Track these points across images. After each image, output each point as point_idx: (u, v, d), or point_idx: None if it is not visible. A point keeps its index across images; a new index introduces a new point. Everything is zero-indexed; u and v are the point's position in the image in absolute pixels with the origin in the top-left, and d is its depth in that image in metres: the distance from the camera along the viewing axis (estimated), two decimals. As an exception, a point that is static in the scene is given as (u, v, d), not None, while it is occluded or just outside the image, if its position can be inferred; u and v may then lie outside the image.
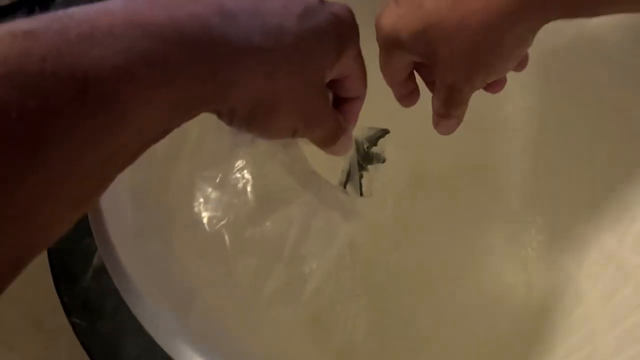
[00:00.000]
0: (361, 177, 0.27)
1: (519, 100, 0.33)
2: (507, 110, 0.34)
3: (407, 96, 0.27)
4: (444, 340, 0.32)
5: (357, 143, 0.27)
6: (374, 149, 0.28)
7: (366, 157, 0.28)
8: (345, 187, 0.26)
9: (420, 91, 0.27)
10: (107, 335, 0.42)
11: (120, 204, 0.17)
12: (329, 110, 0.21)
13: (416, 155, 0.39)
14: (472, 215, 0.38)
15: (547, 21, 0.21)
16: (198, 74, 0.15)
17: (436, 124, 0.26)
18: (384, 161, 0.29)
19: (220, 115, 0.17)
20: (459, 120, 0.26)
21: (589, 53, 0.29)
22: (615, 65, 0.28)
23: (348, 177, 0.26)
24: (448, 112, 0.25)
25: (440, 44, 0.22)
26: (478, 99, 0.35)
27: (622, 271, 0.22)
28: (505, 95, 0.34)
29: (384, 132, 0.29)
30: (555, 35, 0.30)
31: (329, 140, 0.22)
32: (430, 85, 0.26)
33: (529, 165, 0.34)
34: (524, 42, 0.22)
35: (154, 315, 0.14)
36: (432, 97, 0.25)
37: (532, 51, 0.32)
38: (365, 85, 0.22)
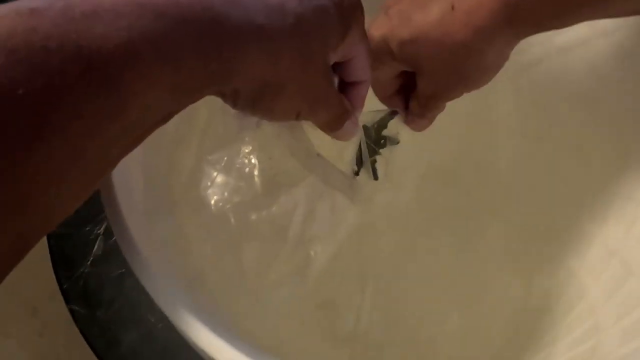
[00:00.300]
0: (375, 161, 0.27)
1: (516, 100, 0.33)
2: (509, 106, 0.34)
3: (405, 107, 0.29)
4: (445, 329, 0.32)
5: (366, 128, 0.27)
6: (385, 132, 0.28)
7: (377, 141, 0.28)
8: (357, 173, 0.26)
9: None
10: (106, 323, 0.42)
11: (133, 185, 0.17)
12: (333, 93, 0.21)
13: (425, 147, 0.39)
14: (474, 209, 0.38)
15: (523, 37, 0.23)
16: (202, 54, 0.15)
17: (410, 122, 0.28)
18: (397, 142, 0.29)
19: (224, 97, 0.17)
20: (432, 121, 0.28)
21: (571, 60, 0.30)
22: (600, 71, 0.29)
23: (360, 163, 0.26)
24: (424, 114, 0.27)
25: (424, 55, 0.24)
26: (486, 94, 0.35)
27: (626, 265, 0.22)
28: (505, 94, 0.34)
29: (393, 113, 0.29)
30: (541, 44, 0.30)
31: (333, 125, 0.22)
32: (409, 89, 0.28)
33: (531, 160, 0.34)
34: (502, 57, 0.24)
35: (167, 292, 0.14)
36: (411, 98, 0.27)
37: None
38: (370, 69, 0.22)
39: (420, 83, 0.25)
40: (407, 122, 0.28)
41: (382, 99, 0.28)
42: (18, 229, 0.13)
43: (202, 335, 0.14)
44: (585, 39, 0.28)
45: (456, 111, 0.34)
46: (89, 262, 0.45)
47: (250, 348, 0.14)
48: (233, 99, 0.17)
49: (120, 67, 0.13)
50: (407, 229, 0.36)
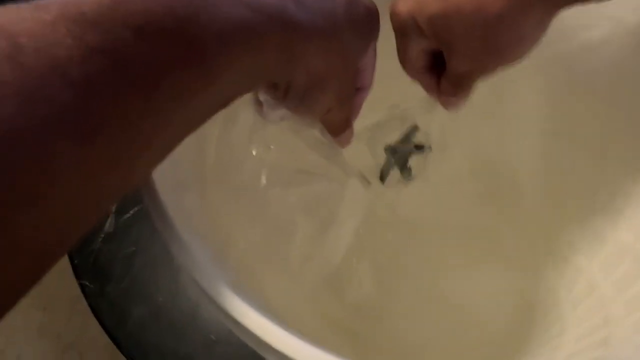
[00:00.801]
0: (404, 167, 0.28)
1: (534, 97, 0.33)
2: (527, 102, 0.34)
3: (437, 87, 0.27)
4: (451, 317, 0.33)
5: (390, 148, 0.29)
6: (415, 140, 0.29)
7: (403, 155, 0.29)
8: (383, 181, 0.28)
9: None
10: (115, 299, 0.43)
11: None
12: (354, 93, 0.23)
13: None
14: (486, 202, 0.38)
15: (563, 7, 0.21)
16: (279, 45, 0.16)
17: (444, 103, 0.27)
18: (429, 147, 0.30)
19: (276, 89, 0.19)
20: (466, 100, 0.26)
21: (594, 58, 0.30)
22: (621, 68, 0.28)
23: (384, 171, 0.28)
24: (456, 93, 0.26)
25: (457, 29, 0.22)
26: (503, 90, 0.35)
27: (638, 262, 0.23)
28: (522, 92, 0.34)
29: (414, 128, 0.30)
30: (563, 41, 0.30)
31: (342, 126, 0.23)
32: (438, 67, 0.26)
33: (547, 156, 0.34)
34: (539, 28, 0.23)
35: (197, 260, 0.15)
36: (442, 78, 0.26)
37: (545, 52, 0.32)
38: (373, 77, 0.24)
39: (452, 60, 0.24)
40: (442, 103, 0.27)
41: (413, 76, 0.27)
42: (110, 186, 0.13)
43: (231, 302, 0.14)
44: (608, 37, 0.28)
45: (471, 105, 0.35)
46: (100, 239, 0.46)
47: (270, 314, 0.14)
48: (285, 89, 0.19)
49: (217, 50, 0.14)
50: (417, 218, 0.36)
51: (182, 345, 0.40)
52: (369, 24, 0.21)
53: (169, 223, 0.15)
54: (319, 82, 0.19)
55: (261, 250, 0.21)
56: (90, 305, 0.43)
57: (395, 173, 0.30)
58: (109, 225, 0.47)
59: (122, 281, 0.44)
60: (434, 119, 0.29)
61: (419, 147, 0.29)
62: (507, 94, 0.36)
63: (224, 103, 0.16)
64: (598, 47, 0.29)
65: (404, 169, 0.30)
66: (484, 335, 0.32)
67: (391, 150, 0.30)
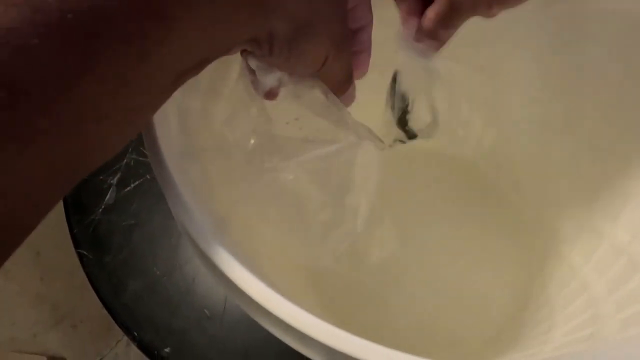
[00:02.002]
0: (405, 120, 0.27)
1: (531, 91, 0.33)
2: (532, 94, 0.34)
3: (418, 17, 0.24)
4: (444, 305, 0.33)
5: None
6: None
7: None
8: (403, 123, 0.27)
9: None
10: (113, 269, 0.43)
11: (170, 127, 0.17)
12: (350, 36, 0.21)
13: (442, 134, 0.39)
14: (487, 195, 0.38)
15: None
16: None
17: (418, 39, 0.24)
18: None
19: (259, 44, 0.17)
20: (442, 44, 0.24)
21: (596, 48, 0.29)
22: (626, 60, 0.28)
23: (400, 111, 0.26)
24: (437, 31, 0.23)
25: None
26: (496, 90, 0.35)
27: (633, 263, 0.23)
28: (520, 85, 0.34)
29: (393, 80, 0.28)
30: (567, 29, 0.30)
31: (342, 81, 0.21)
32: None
33: (548, 152, 0.34)
34: None
35: (201, 227, 0.15)
36: (429, 8, 0.23)
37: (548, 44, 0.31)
38: (371, 11, 0.22)
39: None
40: (416, 39, 0.24)
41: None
42: (69, 153, 0.13)
43: (236, 271, 0.14)
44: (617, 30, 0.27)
45: (475, 96, 0.35)
46: (100, 210, 0.46)
47: (272, 284, 0.15)
48: (269, 43, 0.17)
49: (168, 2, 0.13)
50: (419, 205, 0.37)
51: (176, 319, 0.41)
52: None
53: (176, 190, 0.16)
54: (304, 26, 0.17)
55: (267, 224, 0.21)
56: (87, 274, 0.44)
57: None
58: (109, 197, 0.47)
59: (121, 253, 0.44)
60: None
61: (411, 134, 0.28)
62: (513, 86, 0.35)
63: (192, 66, 0.15)
64: (604, 39, 0.28)
65: (406, 129, 0.28)
66: (477, 327, 0.32)
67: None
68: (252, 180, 0.19)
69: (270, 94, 0.21)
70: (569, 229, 0.32)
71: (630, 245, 0.25)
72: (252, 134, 0.21)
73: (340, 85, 0.22)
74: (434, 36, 0.23)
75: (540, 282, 0.32)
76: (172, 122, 0.18)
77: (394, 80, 0.27)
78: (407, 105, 0.28)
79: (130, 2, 0.13)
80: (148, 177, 0.47)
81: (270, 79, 0.20)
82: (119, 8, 0.13)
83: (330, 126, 0.22)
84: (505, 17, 0.22)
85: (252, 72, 0.20)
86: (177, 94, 0.16)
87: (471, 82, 0.29)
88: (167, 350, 0.40)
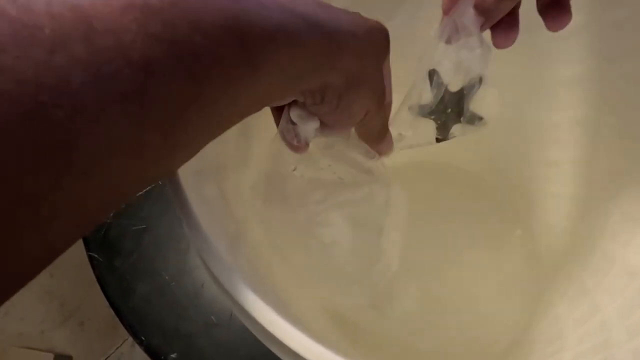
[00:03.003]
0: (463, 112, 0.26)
1: (570, 111, 0.33)
2: (553, 119, 0.34)
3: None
4: (453, 321, 0.33)
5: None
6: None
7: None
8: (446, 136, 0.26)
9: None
10: (122, 273, 0.44)
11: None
12: (387, 95, 0.23)
13: (449, 149, 0.39)
14: (501, 216, 0.38)
15: None
16: (318, 47, 0.17)
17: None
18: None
19: (312, 93, 0.19)
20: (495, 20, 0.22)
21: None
22: None
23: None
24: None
25: None
26: (528, 105, 0.35)
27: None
28: (554, 106, 0.34)
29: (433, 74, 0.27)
30: (612, 45, 0.29)
31: (381, 133, 0.23)
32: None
33: (561, 173, 0.34)
34: None
35: (213, 249, 0.15)
36: None
37: (587, 61, 0.32)
38: (391, 92, 0.24)
39: None
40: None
41: None
42: (150, 166, 0.13)
43: (245, 296, 0.14)
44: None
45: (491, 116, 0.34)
46: (111, 214, 0.46)
47: (281, 308, 0.15)
48: (322, 92, 0.19)
49: (262, 46, 0.15)
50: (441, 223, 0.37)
51: (183, 323, 0.41)
52: (385, 34, 0.22)
53: (189, 210, 0.16)
54: (355, 79, 0.19)
55: (295, 254, 0.22)
56: (97, 277, 0.44)
57: (456, 125, 0.26)
58: (121, 201, 0.47)
59: (131, 256, 0.45)
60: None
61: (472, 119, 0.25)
62: (542, 104, 0.35)
63: (266, 100, 0.17)
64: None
65: (465, 113, 0.26)
66: (487, 346, 0.32)
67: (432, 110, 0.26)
68: (287, 211, 0.20)
69: (303, 147, 0.22)
70: (579, 251, 0.31)
71: (643, 270, 0.24)
72: (294, 165, 0.22)
73: (377, 136, 0.24)
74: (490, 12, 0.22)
75: (548, 298, 0.32)
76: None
77: (430, 77, 0.26)
78: (459, 99, 0.26)
79: (231, 46, 0.14)
80: (159, 182, 0.48)
81: (308, 128, 0.21)
82: (229, 47, 0.14)
83: (361, 174, 0.23)
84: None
85: (290, 122, 0.21)
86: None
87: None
88: (173, 355, 0.40)
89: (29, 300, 0.97)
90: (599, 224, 0.31)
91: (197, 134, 0.14)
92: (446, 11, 0.24)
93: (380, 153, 0.24)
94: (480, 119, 0.27)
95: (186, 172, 0.17)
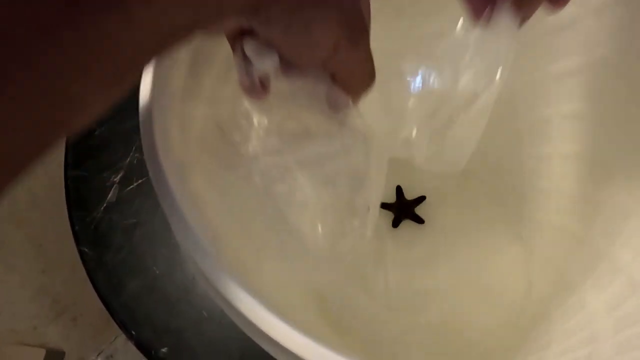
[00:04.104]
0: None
1: (561, 106, 0.33)
2: (545, 114, 0.34)
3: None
4: (440, 313, 0.33)
5: None
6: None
7: None
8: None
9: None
10: (112, 268, 0.44)
11: (170, 139, 0.17)
12: (366, 27, 0.18)
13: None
14: (486, 212, 0.38)
15: None
16: None
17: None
18: None
19: (256, 10, 0.15)
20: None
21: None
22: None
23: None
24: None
25: None
26: (517, 101, 0.35)
27: (632, 283, 0.23)
28: (546, 100, 0.34)
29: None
30: (601, 46, 0.30)
31: (361, 77, 0.18)
32: None
33: (553, 168, 0.34)
34: None
35: (198, 244, 0.15)
36: None
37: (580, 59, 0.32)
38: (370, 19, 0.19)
39: None
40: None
41: None
42: (46, 110, 0.12)
43: (235, 293, 0.14)
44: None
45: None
46: (102, 208, 0.46)
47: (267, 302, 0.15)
48: (267, 9, 0.15)
49: None
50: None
51: (173, 318, 0.41)
52: None
53: (175, 204, 0.16)
54: None
55: (262, 235, 0.21)
56: (87, 271, 0.44)
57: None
58: (111, 195, 0.47)
59: (121, 251, 0.45)
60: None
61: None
62: (535, 99, 0.35)
63: (187, 25, 0.14)
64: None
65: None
66: (474, 339, 0.32)
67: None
68: (246, 188, 0.19)
69: (259, 90, 0.18)
70: (568, 245, 0.32)
71: (630, 265, 0.24)
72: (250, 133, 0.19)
73: (361, 81, 0.18)
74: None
75: (538, 297, 0.32)
76: (173, 134, 0.18)
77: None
78: None
79: None
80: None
81: (268, 64, 0.17)
82: None
83: (328, 122, 0.19)
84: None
85: (242, 53, 0.17)
86: (178, 105, 0.16)
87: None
88: (164, 350, 0.40)
89: (21, 297, 0.97)
90: (588, 219, 0.31)
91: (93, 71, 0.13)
92: (477, 16, 0.20)
93: (355, 100, 0.19)
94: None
95: (170, 167, 0.17)
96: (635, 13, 0.27)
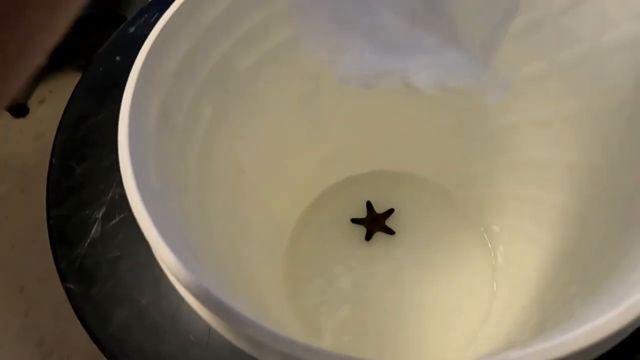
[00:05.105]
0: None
1: (529, 113, 0.33)
2: (512, 121, 0.34)
3: None
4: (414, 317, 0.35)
5: None
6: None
7: None
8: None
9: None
10: (99, 301, 0.45)
11: (146, 171, 0.19)
12: None
13: (401, 155, 0.42)
14: (451, 218, 0.41)
15: None
16: None
17: None
18: None
19: None
20: None
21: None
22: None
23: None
24: None
25: None
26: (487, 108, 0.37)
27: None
28: (516, 106, 0.35)
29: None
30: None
31: None
32: None
33: (521, 179, 0.35)
34: None
35: (179, 265, 0.17)
36: None
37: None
38: None
39: None
40: None
41: None
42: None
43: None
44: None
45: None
46: (86, 244, 0.47)
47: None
48: None
49: None
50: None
51: (163, 346, 0.42)
52: None
53: (152, 232, 0.18)
54: None
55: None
56: (74, 307, 0.45)
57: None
58: (95, 231, 0.48)
59: (106, 284, 0.46)
60: None
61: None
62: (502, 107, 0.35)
63: None
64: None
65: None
66: (449, 339, 0.34)
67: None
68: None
69: None
70: (538, 253, 0.33)
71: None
72: None
73: None
74: None
75: (501, 300, 0.35)
76: (148, 167, 0.20)
77: None
78: None
79: None
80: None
81: None
82: None
83: None
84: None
85: None
86: (152, 145, 0.19)
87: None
88: (154, 377, 0.41)
89: (5, 341, 0.95)
90: (559, 226, 0.32)
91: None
92: None
93: None
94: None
95: (147, 194, 0.19)
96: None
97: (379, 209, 0.43)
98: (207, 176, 0.24)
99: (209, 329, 0.42)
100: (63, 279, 0.47)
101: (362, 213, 0.43)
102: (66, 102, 0.56)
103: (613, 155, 0.25)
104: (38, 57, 0.14)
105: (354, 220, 0.43)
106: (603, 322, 0.15)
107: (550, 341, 0.15)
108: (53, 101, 1.26)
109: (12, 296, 0.97)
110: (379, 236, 0.42)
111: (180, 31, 0.23)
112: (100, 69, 0.58)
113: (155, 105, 0.22)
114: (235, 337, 0.17)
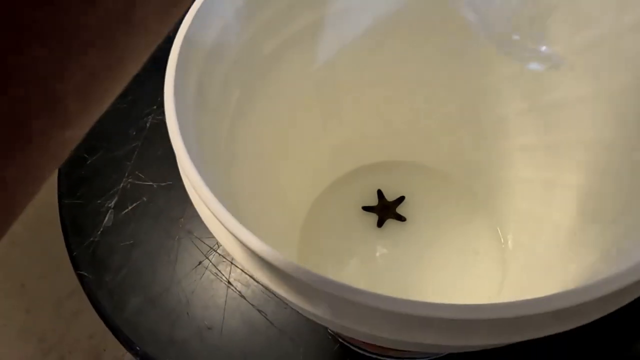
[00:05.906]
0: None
1: (518, 103, 0.35)
2: (516, 108, 0.35)
3: None
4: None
5: None
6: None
7: None
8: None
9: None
10: (113, 288, 0.45)
11: (190, 146, 0.20)
12: None
13: (412, 146, 0.43)
14: (461, 206, 0.42)
15: None
16: None
17: None
18: None
19: None
20: None
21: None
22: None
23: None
24: None
25: None
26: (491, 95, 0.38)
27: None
28: (501, 99, 0.38)
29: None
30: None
31: None
32: None
33: (528, 164, 0.36)
34: None
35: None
36: None
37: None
38: None
39: None
40: None
41: None
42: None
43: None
44: None
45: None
46: (99, 232, 0.48)
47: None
48: None
49: None
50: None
51: (177, 330, 0.43)
52: None
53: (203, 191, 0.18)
54: None
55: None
56: (87, 294, 0.45)
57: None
58: (107, 220, 0.49)
59: (120, 272, 0.46)
60: None
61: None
62: (498, 97, 0.37)
63: None
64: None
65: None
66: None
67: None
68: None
69: None
70: (545, 231, 0.35)
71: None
72: None
73: None
74: None
75: (509, 282, 0.36)
76: (192, 138, 0.21)
77: None
78: None
79: None
80: (144, 199, 0.50)
81: None
82: None
83: None
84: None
85: None
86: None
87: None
88: (169, 361, 0.42)
89: (6, 338, 0.95)
90: (571, 204, 0.32)
91: None
92: None
93: None
94: None
95: (193, 159, 0.20)
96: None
97: (390, 197, 0.45)
98: (232, 158, 0.25)
99: (224, 313, 0.43)
100: (76, 266, 0.47)
101: (373, 201, 0.44)
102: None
103: (630, 130, 0.26)
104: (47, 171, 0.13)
105: (366, 208, 0.44)
106: (615, 275, 0.16)
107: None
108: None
109: (13, 293, 0.97)
110: (390, 223, 0.43)
111: (213, 11, 0.24)
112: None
113: (192, 83, 0.23)
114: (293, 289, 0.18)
